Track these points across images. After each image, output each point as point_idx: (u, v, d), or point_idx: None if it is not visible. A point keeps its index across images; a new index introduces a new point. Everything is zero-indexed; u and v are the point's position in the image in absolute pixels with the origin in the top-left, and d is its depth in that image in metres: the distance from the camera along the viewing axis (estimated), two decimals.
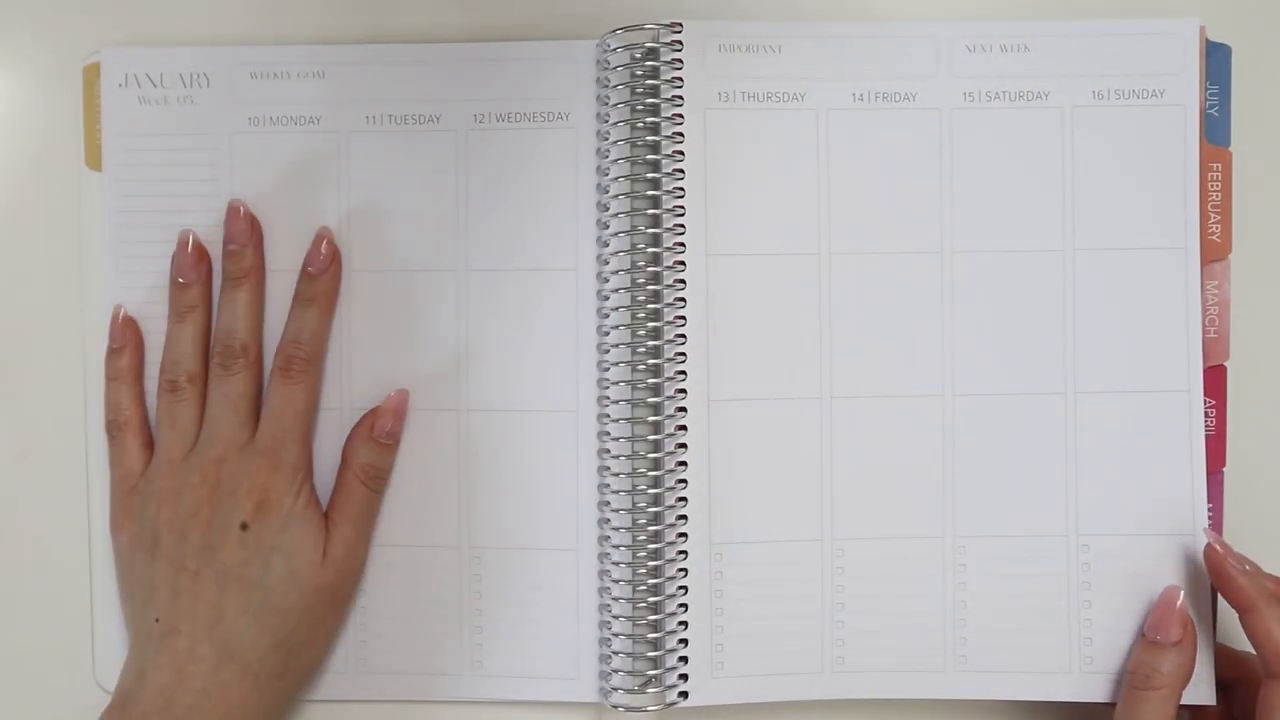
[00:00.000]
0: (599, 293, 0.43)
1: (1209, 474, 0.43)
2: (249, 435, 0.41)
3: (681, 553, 0.42)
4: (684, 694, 0.42)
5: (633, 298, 0.42)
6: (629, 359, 0.42)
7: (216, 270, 0.44)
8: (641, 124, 0.42)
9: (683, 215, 0.42)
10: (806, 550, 0.43)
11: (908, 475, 0.43)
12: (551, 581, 0.43)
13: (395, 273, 0.44)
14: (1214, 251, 0.43)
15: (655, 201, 0.43)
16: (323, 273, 0.42)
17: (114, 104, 0.44)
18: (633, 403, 0.42)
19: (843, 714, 0.44)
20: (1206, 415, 0.43)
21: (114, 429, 0.43)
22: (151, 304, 0.44)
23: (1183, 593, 0.41)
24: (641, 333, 0.42)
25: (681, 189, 0.42)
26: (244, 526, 0.40)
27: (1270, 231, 0.44)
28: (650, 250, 0.42)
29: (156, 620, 0.39)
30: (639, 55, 0.43)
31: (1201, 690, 0.41)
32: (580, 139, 0.43)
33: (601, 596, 0.43)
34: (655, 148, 0.42)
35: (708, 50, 0.43)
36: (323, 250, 0.42)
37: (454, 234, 0.44)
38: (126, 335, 0.43)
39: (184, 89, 0.44)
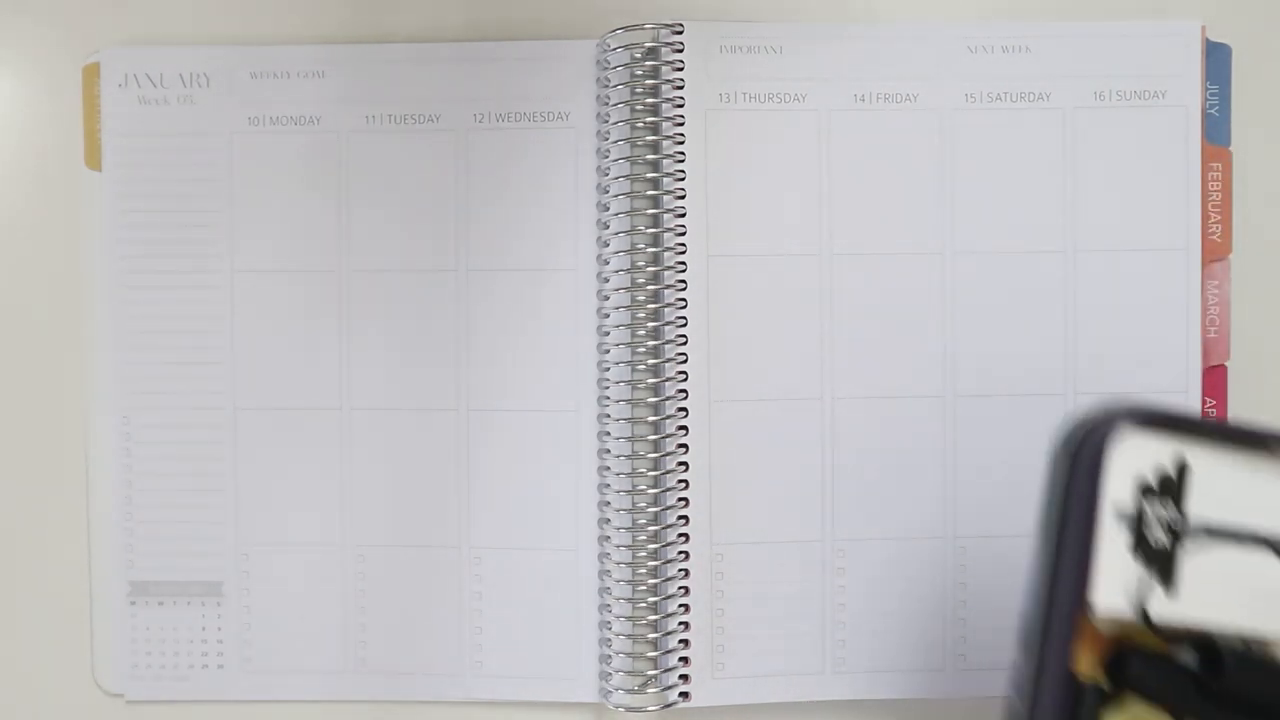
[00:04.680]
0: (599, 293, 0.43)
1: None
2: None
3: (682, 553, 0.42)
4: (684, 694, 0.42)
5: (633, 298, 0.42)
6: (629, 359, 0.42)
7: (208, 262, 0.44)
8: (641, 124, 0.42)
9: (683, 216, 0.42)
10: (807, 550, 0.43)
11: (909, 476, 0.43)
12: (551, 581, 0.43)
13: (395, 273, 0.44)
14: (1214, 251, 0.43)
15: (655, 201, 0.43)
16: None
17: (114, 104, 0.44)
18: (633, 403, 0.42)
19: (843, 714, 0.44)
20: (1207, 415, 0.43)
21: None
22: (151, 304, 0.44)
23: None
24: (641, 333, 0.42)
25: (682, 189, 0.42)
26: None
27: (1270, 231, 0.44)
28: (650, 250, 0.42)
29: None
30: (639, 55, 0.43)
31: None
32: (580, 139, 0.43)
33: (601, 596, 0.43)
34: (655, 148, 0.42)
35: (709, 51, 0.43)
36: None
37: (454, 234, 0.44)
38: None
39: (184, 89, 0.44)
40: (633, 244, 0.42)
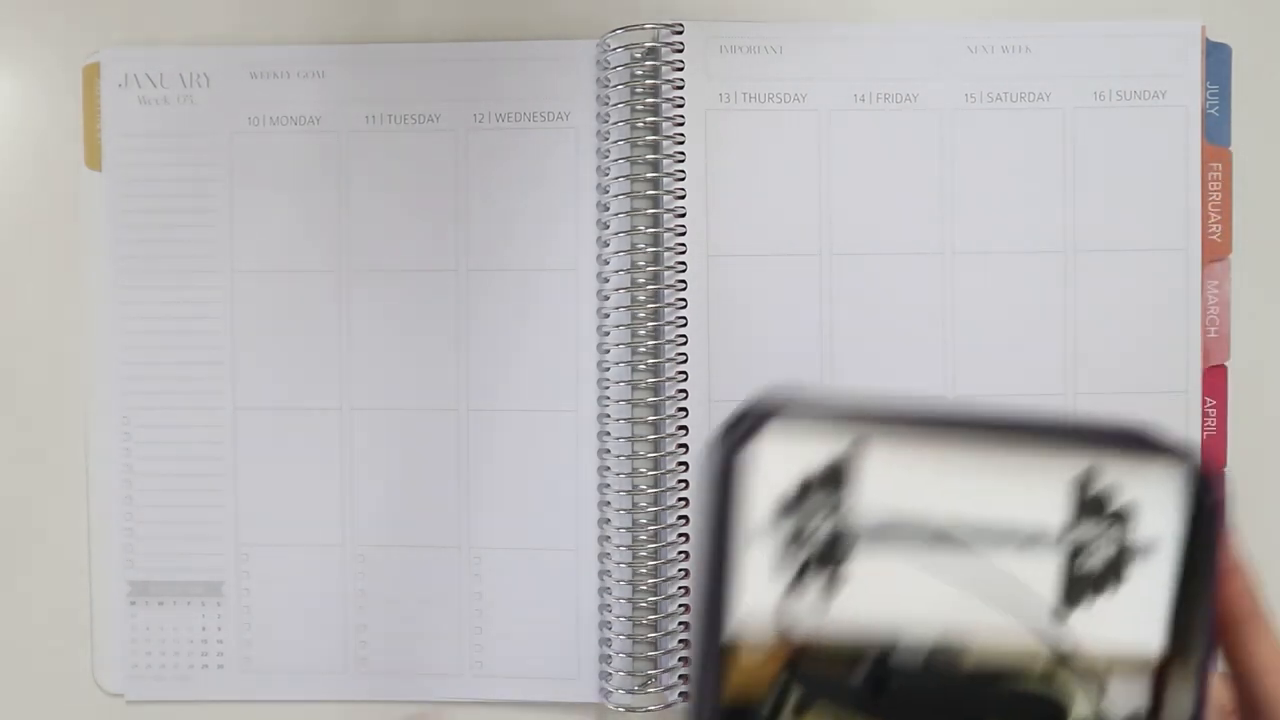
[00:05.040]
0: (599, 293, 0.43)
1: None
2: None
3: (682, 553, 0.42)
4: (684, 694, 0.42)
5: (633, 298, 0.42)
6: (629, 359, 0.42)
7: (208, 262, 0.44)
8: (641, 124, 0.42)
9: (683, 216, 0.42)
10: None
11: None
12: (551, 581, 0.43)
13: (395, 272, 0.44)
14: (1214, 251, 0.43)
15: (655, 201, 0.43)
16: None
17: (114, 104, 0.44)
18: (633, 403, 0.42)
19: None
20: (1207, 415, 0.43)
21: None
22: (151, 304, 0.44)
23: None
24: (641, 333, 0.42)
25: (682, 189, 0.42)
26: None
27: (1270, 231, 0.44)
28: (650, 250, 0.42)
29: None
30: (639, 55, 0.43)
31: None
32: (580, 139, 0.43)
33: (601, 596, 0.43)
34: (655, 148, 0.42)
35: (709, 51, 0.43)
36: None
37: (453, 234, 0.44)
38: None
39: (184, 89, 0.44)
40: (633, 244, 0.42)
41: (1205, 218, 0.43)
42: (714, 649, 0.25)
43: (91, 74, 0.44)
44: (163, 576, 0.44)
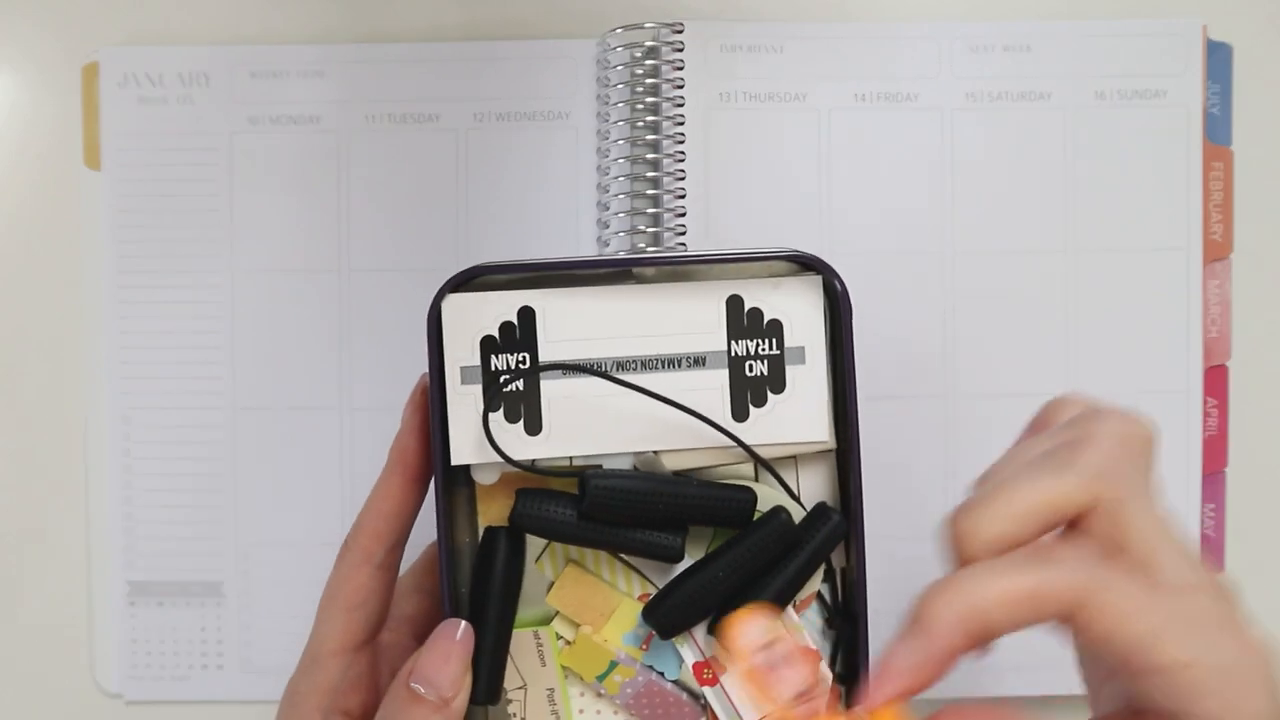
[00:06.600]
0: None
1: (1212, 474, 0.43)
2: None
3: None
4: None
5: None
6: None
7: (208, 262, 0.44)
8: (641, 124, 0.42)
9: (683, 215, 0.42)
10: None
11: (909, 475, 0.43)
12: None
13: (395, 272, 0.44)
14: (1215, 251, 0.43)
15: (655, 201, 0.43)
16: None
17: (114, 104, 0.44)
18: None
19: None
20: (1208, 415, 0.43)
21: None
22: (151, 304, 0.44)
23: None
24: None
25: (682, 189, 0.42)
26: None
27: (1271, 231, 0.44)
28: (650, 250, 0.42)
29: None
30: (639, 55, 0.43)
31: None
32: (580, 139, 0.43)
33: None
34: (655, 147, 0.42)
35: (709, 50, 0.43)
36: None
37: (454, 234, 0.44)
38: None
39: (184, 89, 0.44)
40: (633, 244, 0.42)
41: (1206, 217, 0.43)
42: (446, 472, 0.30)
43: (91, 74, 0.44)
44: (162, 576, 0.44)
